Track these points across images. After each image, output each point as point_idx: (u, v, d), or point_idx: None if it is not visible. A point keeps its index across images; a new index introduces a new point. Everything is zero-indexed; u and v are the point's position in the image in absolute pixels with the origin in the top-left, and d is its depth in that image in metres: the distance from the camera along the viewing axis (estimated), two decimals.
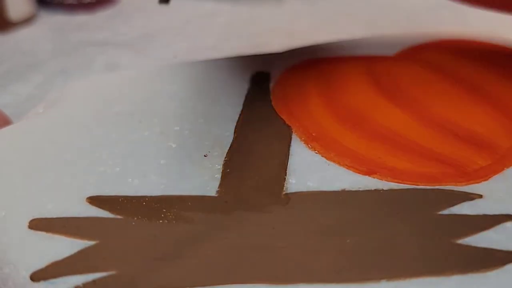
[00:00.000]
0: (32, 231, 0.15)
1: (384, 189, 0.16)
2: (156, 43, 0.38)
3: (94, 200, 0.16)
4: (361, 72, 0.22)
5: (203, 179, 0.16)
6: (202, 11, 0.43)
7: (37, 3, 0.42)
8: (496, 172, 0.17)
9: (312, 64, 0.23)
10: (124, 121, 0.19)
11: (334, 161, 0.17)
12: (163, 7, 0.44)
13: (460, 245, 0.14)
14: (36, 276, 0.14)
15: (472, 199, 0.16)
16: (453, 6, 0.44)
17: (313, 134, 0.18)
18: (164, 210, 0.15)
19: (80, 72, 0.34)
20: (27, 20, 0.41)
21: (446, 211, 0.15)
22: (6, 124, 0.20)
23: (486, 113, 0.20)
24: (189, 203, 0.16)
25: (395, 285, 0.13)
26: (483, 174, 0.17)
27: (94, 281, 0.13)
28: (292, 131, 0.18)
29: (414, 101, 0.20)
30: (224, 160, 0.17)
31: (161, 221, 0.15)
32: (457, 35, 0.25)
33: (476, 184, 0.16)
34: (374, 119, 0.19)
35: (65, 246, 0.14)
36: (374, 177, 0.16)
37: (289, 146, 0.18)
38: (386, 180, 0.16)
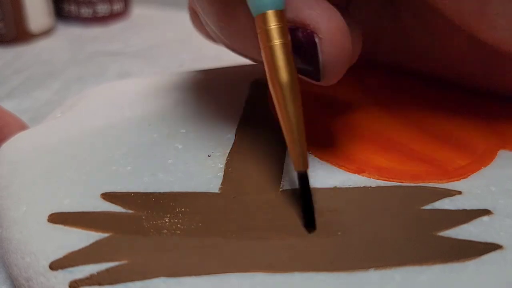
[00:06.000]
0: (51, 225, 0.15)
1: (372, 186, 0.16)
2: (164, 53, 0.38)
3: (108, 196, 0.16)
4: (352, 80, 0.22)
5: (206, 177, 0.16)
6: None
7: (55, 17, 0.43)
8: (474, 171, 0.17)
9: None
10: (135, 124, 0.19)
11: (326, 161, 0.17)
12: (170, 20, 0.44)
13: (441, 237, 0.14)
14: (54, 265, 0.14)
15: (452, 195, 0.16)
16: None
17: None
18: (171, 205, 0.15)
19: (94, 80, 0.34)
20: (46, 32, 0.41)
21: (428, 206, 0.15)
22: (23, 129, 0.20)
23: (466, 118, 0.20)
24: (194, 199, 0.16)
25: (382, 273, 0.13)
26: (463, 173, 0.17)
27: (107, 270, 0.13)
28: None
29: (401, 106, 0.20)
30: (226, 159, 0.17)
31: (168, 215, 0.15)
32: None
33: (456, 182, 0.16)
34: (363, 122, 0.19)
35: (81, 238, 0.14)
36: (363, 175, 0.17)
37: (285, 147, 0.18)
38: (374, 178, 0.16)
